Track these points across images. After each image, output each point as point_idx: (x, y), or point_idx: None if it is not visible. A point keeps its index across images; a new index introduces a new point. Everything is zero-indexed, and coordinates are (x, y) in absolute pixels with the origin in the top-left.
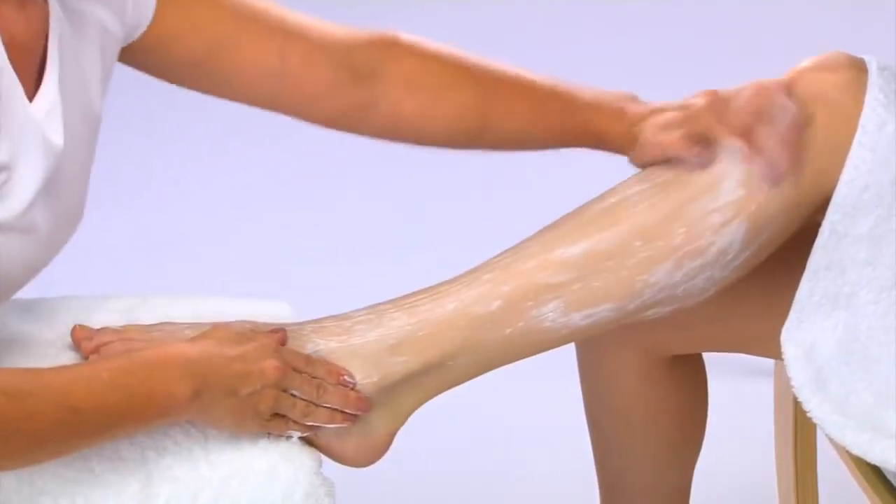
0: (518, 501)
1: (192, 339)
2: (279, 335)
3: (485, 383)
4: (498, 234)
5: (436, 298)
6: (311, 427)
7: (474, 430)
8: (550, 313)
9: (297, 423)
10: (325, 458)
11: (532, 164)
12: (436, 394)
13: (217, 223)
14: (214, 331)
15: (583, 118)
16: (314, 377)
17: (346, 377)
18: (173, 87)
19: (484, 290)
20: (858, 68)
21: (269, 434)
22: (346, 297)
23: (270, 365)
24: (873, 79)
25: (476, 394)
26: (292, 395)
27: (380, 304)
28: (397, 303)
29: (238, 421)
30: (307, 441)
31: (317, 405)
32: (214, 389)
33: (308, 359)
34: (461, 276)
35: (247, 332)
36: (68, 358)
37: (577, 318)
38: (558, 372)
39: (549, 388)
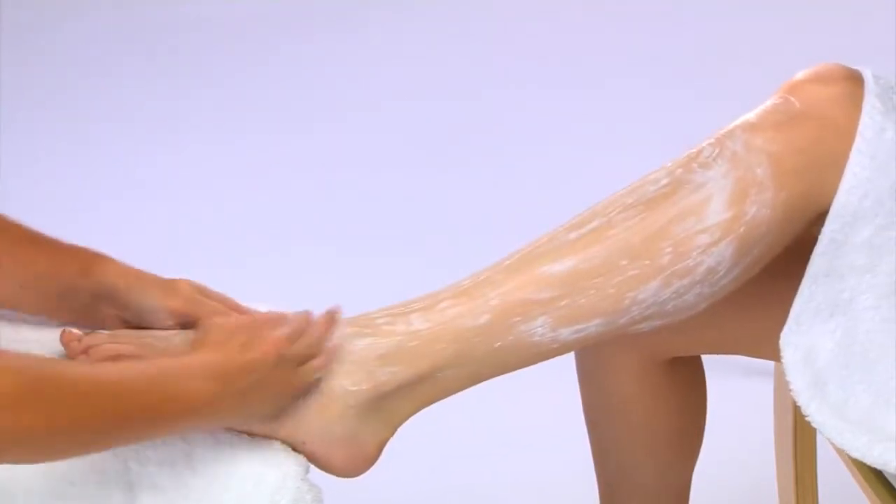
0: (517, 502)
1: (198, 346)
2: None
3: (480, 385)
4: (493, 239)
5: (425, 310)
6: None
7: (469, 433)
8: (539, 328)
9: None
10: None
11: (528, 169)
12: (427, 404)
13: (209, 223)
14: (211, 331)
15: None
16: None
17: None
18: (168, 86)
19: (473, 303)
20: (854, 81)
21: (252, 439)
22: (340, 300)
23: (272, 340)
24: (869, 86)
25: (471, 396)
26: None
27: (370, 312)
28: (387, 311)
29: (275, 403)
30: (295, 448)
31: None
32: (235, 387)
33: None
34: (449, 287)
35: (243, 324)
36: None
37: (566, 333)
38: (557, 373)
39: (548, 390)
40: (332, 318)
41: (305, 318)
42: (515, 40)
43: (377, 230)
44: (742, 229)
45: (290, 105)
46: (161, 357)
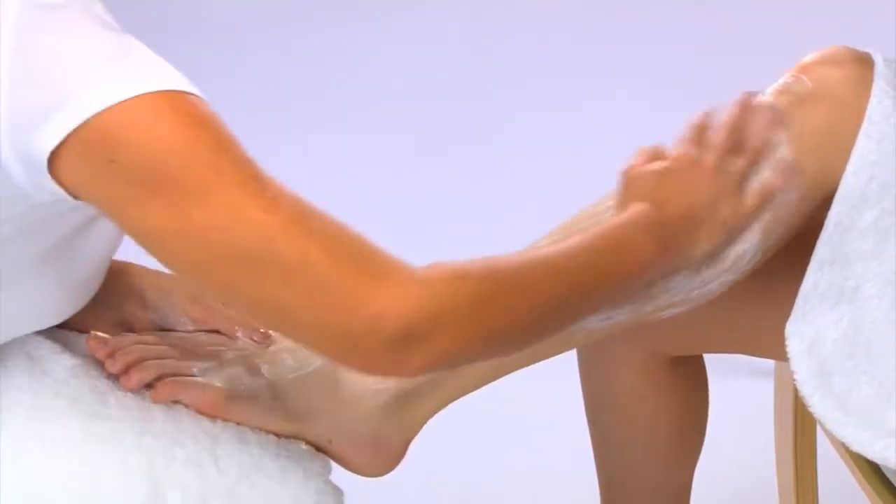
0: (517, 500)
1: (625, 202)
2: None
3: (486, 385)
4: (492, 239)
5: None
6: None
7: (470, 431)
8: None
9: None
10: (335, 466)
11: (527, 168)
12: (450, 401)
13: None
14: (636, 185)
15: None
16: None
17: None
18: None
19: None
20: (864, 63)
21: (279, 439)
22: None
23: (707, 173)
24: (879, 70)
25: (477, 395)
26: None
27: None
28: None
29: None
30: (320, 449)
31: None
32: (676, 233)
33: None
34: None
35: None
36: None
37: (594, 321)
38: (559, 371)
39: (550, 387)
40: (770, 112)
41: (740, 115)
42: (516, 40)
43: (376, 231)
44: (767, 215)
45: (290, 105)
46: (192, 356)
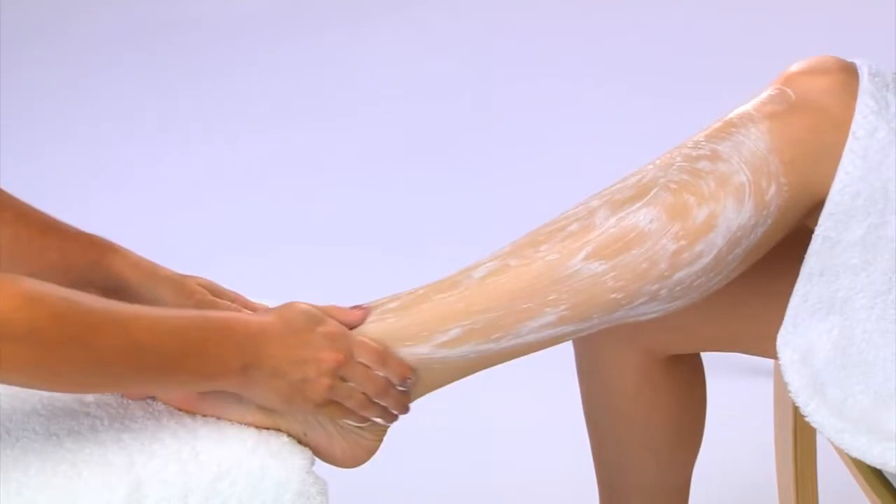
0: (516, 500)
1: (264, 313)
2: (354, 316)
3: (481, 381)
4: (488, 239)
5: (426, 296)
6: (365, 418)
7: (470, 428)
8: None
9: (352, 413)
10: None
11: (522, 168)
12: (423, 393)
13: (208, 221)
14: (285, 309)
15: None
16: (379, 373)
17: (410, 380)
18: (168, 86)
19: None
20: (849, 72)
21: (259, 432)
22: (338, 299)
23: (330, 356)
24: (864, 85)
25: (470, 393)
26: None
27: (376, 301)
28: (391, 300)
29: (285, 402)
30: (298, 440)
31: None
32: (263, 370)
33: (379, 354)
34: (444, 280)
35: (318, 315)
36: None
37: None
38: (556, 371)
39: (548, 387)
40: (406, 406)
41: (405, 376)
42: (511, 40)
43: (375, 230)
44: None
45: (290, 104)
46: None
